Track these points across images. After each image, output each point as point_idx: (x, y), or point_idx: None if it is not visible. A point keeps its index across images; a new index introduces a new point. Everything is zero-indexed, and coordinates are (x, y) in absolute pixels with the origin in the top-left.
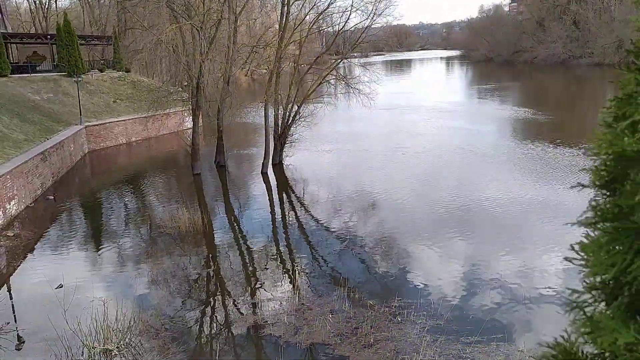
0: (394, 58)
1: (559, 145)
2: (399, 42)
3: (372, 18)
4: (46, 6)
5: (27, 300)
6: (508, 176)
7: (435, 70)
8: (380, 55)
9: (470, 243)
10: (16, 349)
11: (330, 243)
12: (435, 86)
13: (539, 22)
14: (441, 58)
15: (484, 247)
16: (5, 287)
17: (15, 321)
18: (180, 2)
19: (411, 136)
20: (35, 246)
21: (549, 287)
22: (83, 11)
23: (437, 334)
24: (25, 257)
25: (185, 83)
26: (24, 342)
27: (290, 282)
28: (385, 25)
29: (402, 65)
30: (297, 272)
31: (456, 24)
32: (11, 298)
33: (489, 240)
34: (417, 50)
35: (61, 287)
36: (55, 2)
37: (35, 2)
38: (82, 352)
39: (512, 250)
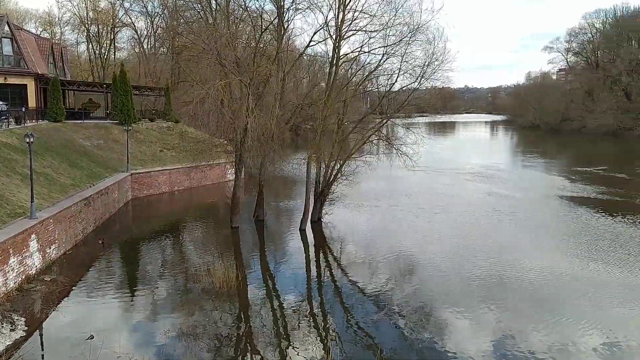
0: (437, 120)
1: (612, 216)
2: (444, 105)
3: (419, 82)
4: (105, 56)
5: (57, 351)
6: (548, 244)
7: (479, 134)
8: (424, 116)
9: (506, 314)
10: None
11: (365, 307)
12: (478, 149)
13: (588, 92)
14: (486, 122)
15: (520, 320)
16: (37, 334)
17: None
18: (231, 59)
19: (449, 197)
20: (70, 292)
21: None
22: (139, 63)
23: None
24: (59, 303)
25: (230, 136)
26: None
27: (322, 346)
28: (431, 88)
29: (445, 128)
30: (329, 335)
31: (502, 89)
32: (42, 348)
33: (524, 313)
34: (462, 113)
35: (92, 338)
36: (114, 53)
37: (95, 52)
38: None
39: (547, 325)
